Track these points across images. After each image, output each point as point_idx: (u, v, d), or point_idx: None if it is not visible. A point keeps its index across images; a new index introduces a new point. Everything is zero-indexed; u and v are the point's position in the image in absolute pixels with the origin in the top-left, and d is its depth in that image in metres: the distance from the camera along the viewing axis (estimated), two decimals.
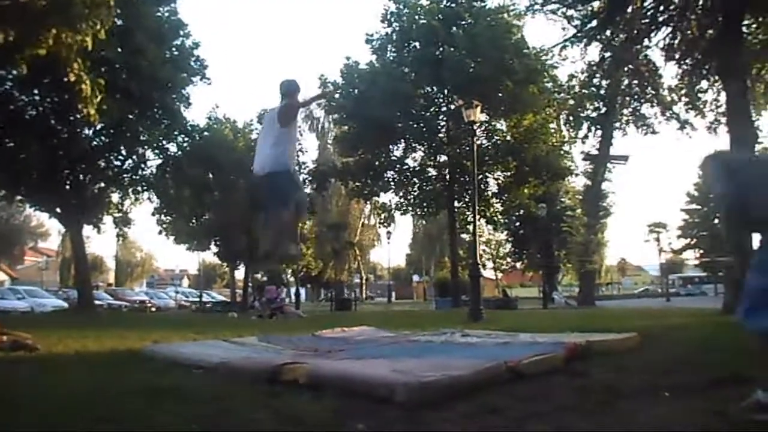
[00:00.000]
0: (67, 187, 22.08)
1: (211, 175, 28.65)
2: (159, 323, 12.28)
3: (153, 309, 33.95)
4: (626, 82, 20.79)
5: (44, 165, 20.32)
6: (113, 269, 78.46)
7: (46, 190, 21.35)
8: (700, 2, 13.80)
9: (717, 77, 14.96)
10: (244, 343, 6.11)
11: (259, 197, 5.39)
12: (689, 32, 14.59)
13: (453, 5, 27.55)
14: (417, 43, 27.33)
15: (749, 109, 13.46)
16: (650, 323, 8.34)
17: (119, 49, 18.71)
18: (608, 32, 16.23)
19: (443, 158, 28.58)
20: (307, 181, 33.54)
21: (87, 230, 24.48)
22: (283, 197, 5.35)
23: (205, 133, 28.03)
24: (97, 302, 25.89)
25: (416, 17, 27.28)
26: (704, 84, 17.40)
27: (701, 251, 52.21)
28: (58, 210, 22.68)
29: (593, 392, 3.19)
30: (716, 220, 45.94)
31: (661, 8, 14.36)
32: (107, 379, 4.00)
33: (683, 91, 19.02)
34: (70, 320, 13.41)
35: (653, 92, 21.34)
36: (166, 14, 22.44)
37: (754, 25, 14.71)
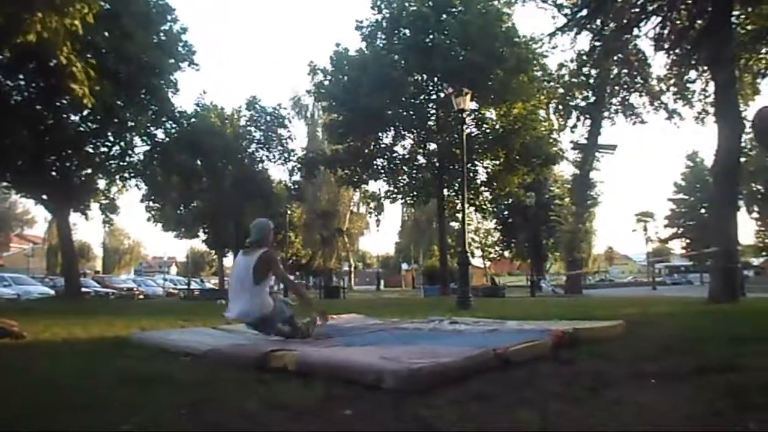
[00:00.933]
0: (54, 173, 21.88)
1: (199, 162, 28.47)
2: (147, 311, 12.23)
3: (141, 296, 33.78)
4: (615, 71, 20.86)
5: (30, 151, 20.10)
6: (101, 256, 78.10)
7: (33, 176, 21.14)
8: None
9: (706, 67, 15.04)
10: (233, 331, 6.10)
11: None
12: (678, 22, 14.62)
13: None
14: (407, 30, 27.21)
15: (737, 99, 13.52)
16: (636, 311, 8.41)
17: (106, 34, 18.49)
18: (598, 21, 16.21)
19: (433, 146, 28.60)
20: (296, 168, 33.47)
21: (74, 217, 24.33)
22: (273, 326, 5.27)
23: (193, 120, 27.82)
24: (84, 290, 25.74)
25: (406, 4, 27.14)
26: (693, 74, 17.49)
27: (688, 240, 52.68)
28: (44, 197, 22.48)
29: (580, 379, 3.21)
30: (702, 210, 46.38)
31: None
32: (94, 367, 3.99)
33: (672, 81, 19.10)
34: (56, 307, 13.32)
35: (642, 82, 21.44)
36: None
37: (743, 16, 14.76)
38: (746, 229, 54.33)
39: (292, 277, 6.29)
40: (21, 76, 20.04)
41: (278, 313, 5.24)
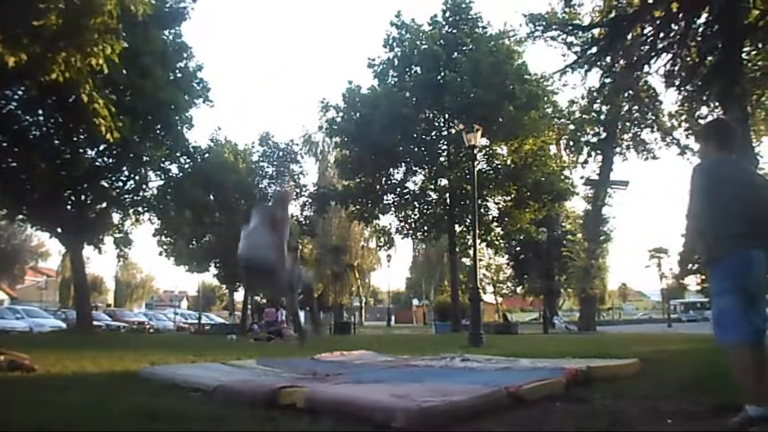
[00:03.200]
0: (69, 207, 22.08)
1: (211, 197, 28.67)
2: (157, 345, 12.21)
3: (151, 330, 33.74)
4: (626, 107, 20.95)
5: (47, 185, 20.36)
6: (113, 290, 78.27)
7: (48, 209, 21.35)
8: (701, 29, 13.94)
9: (717, 103, 15.07)
10: (243, 366, 6.07)
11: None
12: (689, 59, 14.73)
13: (455, 31, 27.86)
14: (418, 68, 27.59)
15: (750, 135, 13.53)
16: (651, 349, 8.28)
17: (124, 71, 18.90)
18: (608, 58, 16.39)
19: (444, 182, 28.68)
20: (307, 203, 33.60)
21: (87, 250, 24.45)
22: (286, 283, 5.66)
23: (207, 155, 28.09)
24: (95, 323, 25.73)
25: (418, 42, 27.56)
26: (704, 110, 17.52)
27: (702, 277, 52.01)
28: (58, 230, 22.66)
29: (594, 418, 3.16)
30: None
31: (662, 35, 14.52)
32: (104, 400, 3.97)
33: (683, 117, 19.15)
34: (68, 341, 13.33)
35: (653, 118, 21.49)
36: (171, 37, 22.67)
37: (753, 52, 14.85)
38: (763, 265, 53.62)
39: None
40: (40, 111, 20.42)
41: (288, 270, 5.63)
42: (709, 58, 14.07)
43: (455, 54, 26.77)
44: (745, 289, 3.03)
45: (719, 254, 3.16)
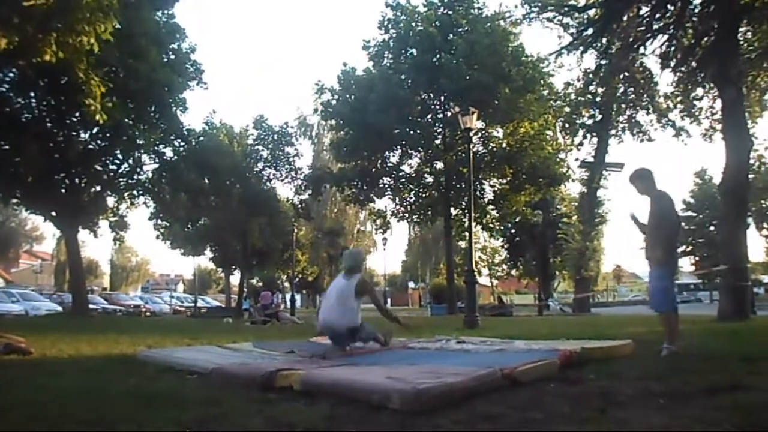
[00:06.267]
0: (63, 190, 21.99)
1: (206, 180, 28.58)
2: (153, 328, 12.23)
3: (147, 314, 33.77)
4: (622, 89, 20.92)
5: (40, 168, 20.23)
6: (108, 273, 78.28)
7: (42, 193, 21.25)
8: (697, 10, 13.86)
9: (713, 85, 15.04)
10: (239, 349, 6.10)
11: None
12: (685, 40, 14.66)
13: (450, 12, 27.62)
14: (414, 50, 27.37)
15: (744, 116, 13.52)
16: (645, 330, 8.34)
17: (117, 53, 18.73)
18: (604, 40, 16.29)
19: (440, 165, 28.61)
20: (302, 186, 33.55)
21: (83, 234, 24.40)
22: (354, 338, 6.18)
23: (201, 138, 27.95)
24: (91, 306, 25.76)
25: (413, 24, 27.32)
26: (700, 91, 17.52)
27: (697, 258, 52.33)
28: (53, 213, 22.58)
29: (588, 399, 3.19)
30: (712, 227, 46.14)
31: (657, 16, 14.43)
32: (100, 383, 3.99)
33: (679, 99, 19.13)
34: (64, 324, 13.34)
35: (649, 99, 21.47)
36: (164, 18, 22.45)
37: (749, 33, 14.80)
38: (756, 246, 53.94)
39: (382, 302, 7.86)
40: (32, 94, 20.24)
41: (364, 328, 6.14)
42: (705, 39, 13.99)
43: (451, 36, 26.55)
44: (673, 281, 5.59)
45: (670, 259, 5.33)
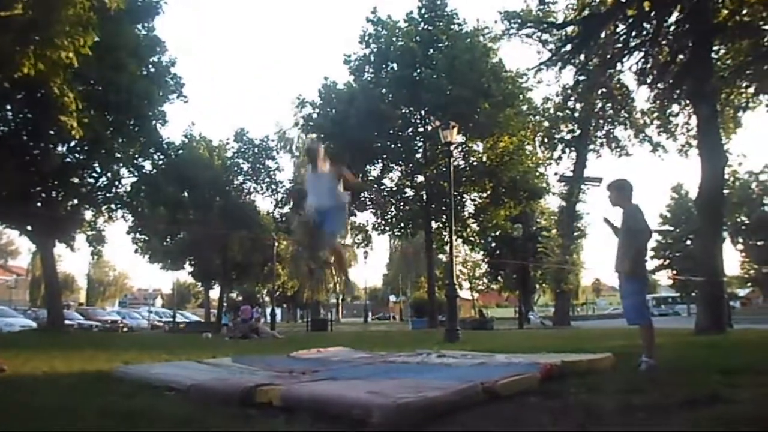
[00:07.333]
0: (39, 204, 21.67)
1: (186, 194, 28.37)
2: (131, 344, 12.04)
3: (125, 329, 33.27)
4: (600, 105, 21.23)
5: (16, 182, 19.93)
6: (85, 288, 77.08)
7: (18, 206, 20.92)
8: (672, 28, 14.14)
9: (688, 101, 15.32)
10: (218, 365, 6.01)
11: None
12: (660, 57, 14.94)
13: (431, 28, 27.85)
14: (395, 65, 27.53)
15: (719, 132, 13.78)
16: (624, 343, 8.39)
17: (96, 65, 18.61)
18: (582, 56, 16.53)
19: (420, 179, 28.69)
20: (283, 199, 33.43)
21: (59, 248, 24.04)
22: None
23: (181, 151, 27.80)
24: (67, 322, 25.30)
25: (394, 39, 27.50)
26: (676, 108, 17.82)
27: (674, 272, 52.97)
28: (29, 227, 22.23)
29: (569, 413, 3.19)
30: (688, 241, 46.76)
31: (634, 33, 14.70)
32: (75, 401, 3.89)
33: (655, 115, 19.46)
34: (38, 340, 13.08)
35: (626, 115, 21.83)
36: (144, 32, 22.38)
37: (722, 51, 15.11)
38: (732, 260, 54.79)
39: None
40: (8, 107, 19.99)
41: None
42: (680, 56, 14.27)
43: (431, 51, 26.76)
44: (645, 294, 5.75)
45: (640, 272, 5.39)
